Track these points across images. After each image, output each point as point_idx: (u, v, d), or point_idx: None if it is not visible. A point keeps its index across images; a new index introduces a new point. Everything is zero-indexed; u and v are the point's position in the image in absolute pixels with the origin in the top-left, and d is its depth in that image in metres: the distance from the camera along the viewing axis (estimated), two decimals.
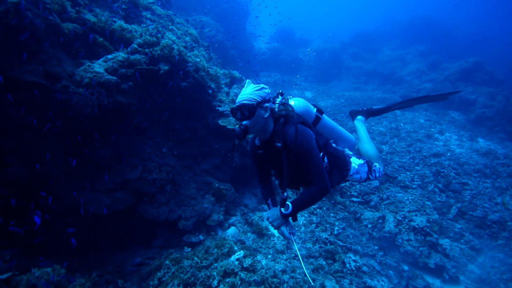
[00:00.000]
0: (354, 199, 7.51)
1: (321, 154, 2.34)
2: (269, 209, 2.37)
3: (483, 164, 9.09)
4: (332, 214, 6.86)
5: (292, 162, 1.99)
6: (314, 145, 2.02)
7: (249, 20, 20.98)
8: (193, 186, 5.61)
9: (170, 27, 5.97)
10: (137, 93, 4.25)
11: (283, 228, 2.17)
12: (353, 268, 5.27)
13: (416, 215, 6.45)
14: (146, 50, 4.35)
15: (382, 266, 5.64)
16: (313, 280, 4.51)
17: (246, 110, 2.02)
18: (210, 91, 5.64)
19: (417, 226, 6.13)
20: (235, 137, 2.05)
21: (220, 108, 5.74)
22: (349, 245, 5.90)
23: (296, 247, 2.14)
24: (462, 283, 5.71)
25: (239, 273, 4.21)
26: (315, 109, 2.51)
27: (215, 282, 4.04)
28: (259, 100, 2.04)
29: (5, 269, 3.00)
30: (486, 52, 22.38)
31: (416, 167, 8.93)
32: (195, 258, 4.41)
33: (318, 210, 6.87)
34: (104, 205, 3.99)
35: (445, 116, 13.67)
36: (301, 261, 2.02)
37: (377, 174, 2.93)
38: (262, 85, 2.15)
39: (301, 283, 4.35)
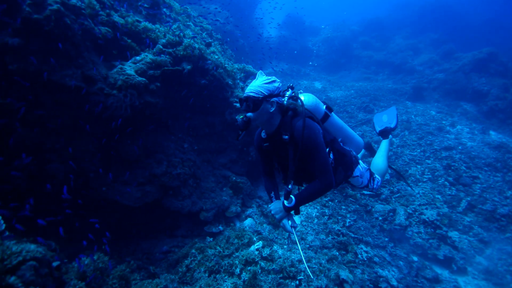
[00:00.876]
0: (365, 192, 7.72)
1: (327, 149, 2.33)
2: (272, 202, 2.43)
3: (494, 157, 9.16)
4: (343, 207, 7.11)
5: (298, 156, 1.99)
6: (321, 140, 2.02)
7: (258, 8, 20.70)
8: (212, 179, 5.89)
9: (187, 23, 6.08)
10: (162, 92, 4.45)
11: (284, 221, 2.21)
12: (365, 259, 5.56)
13: (426, 209, 6.66)
14: (170, 50, 4.52)
15: (393, 257, 5.91)
16: (329, 270, 4.80)
17: (251, 103, 2.01)
18: (227, 88, 5.81)
19: (427, 220, 6.35)
20: (238, 128, 2.08)
21: (237, 104, 5.92)
22: (361, 237, 6.17)
23: (297, 240, 2.16)
24: (470, 274, 5.97)
25: (260, 262, 4.52)
26: (325, 106, 2.50)
27: (238, 270, 4.36)
28: (266, 94, 2.03)
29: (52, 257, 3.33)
30: (501, 41, 21.79)
31: (427, 160, 9.07)
32: (218, 248, 4.73)
33: (330, 202, 7.13)
34: (134, 197, 4.29)
35: (457, 107, 13.61)
36: (302, 254, 2.12)
37: (375, 186, 2.96)
38: (273, 78, 2.11)
39: (317, 272, 4.66)
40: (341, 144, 2.61)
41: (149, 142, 4.68)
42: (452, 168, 8.54)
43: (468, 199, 7.56)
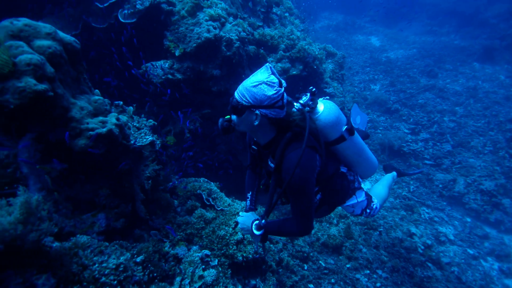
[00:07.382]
0: (427, 162, 9.21)
1: (316, 189, 2.20)
2: (246, 205, 2.44)
3: None
4: None
5: (280, 188, 1.84)
6: (310, 185, 1.77)
7: None
8: None
9: (285, 13, 7.27)
10: None
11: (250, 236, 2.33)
12: (427, 218, 7.38)
13: (486, 180, 8.09)
14: (287, 54, 5.95)
15: (449, 217, 7.67)
16: (401, 225, 6.70)
17: (232, 105, 1.78)
18: (320, 76, 7.21)
19: (485, 189, 7.85)
20: (219, 132, 2.39)
21: (327, 90, 7.36)
22: (423, 201, 7.92)
23: (260, 250, 2.32)
24: None
25: (350, 217, 6.52)
26: (345, 127, 2.13)
27: (335, 221, 6.40)
28: (251, 103, 1.69)
29: None
30: None
31: (490, 132, 10.07)
32: None
33: None
34: None
35: None
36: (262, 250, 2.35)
37: (372, 213, 2.79)
38: (266, 81, 1.66)
39: (394, 227, 6.58)
40: (344, 174, 2.40)
41: None
42: None
43: None
